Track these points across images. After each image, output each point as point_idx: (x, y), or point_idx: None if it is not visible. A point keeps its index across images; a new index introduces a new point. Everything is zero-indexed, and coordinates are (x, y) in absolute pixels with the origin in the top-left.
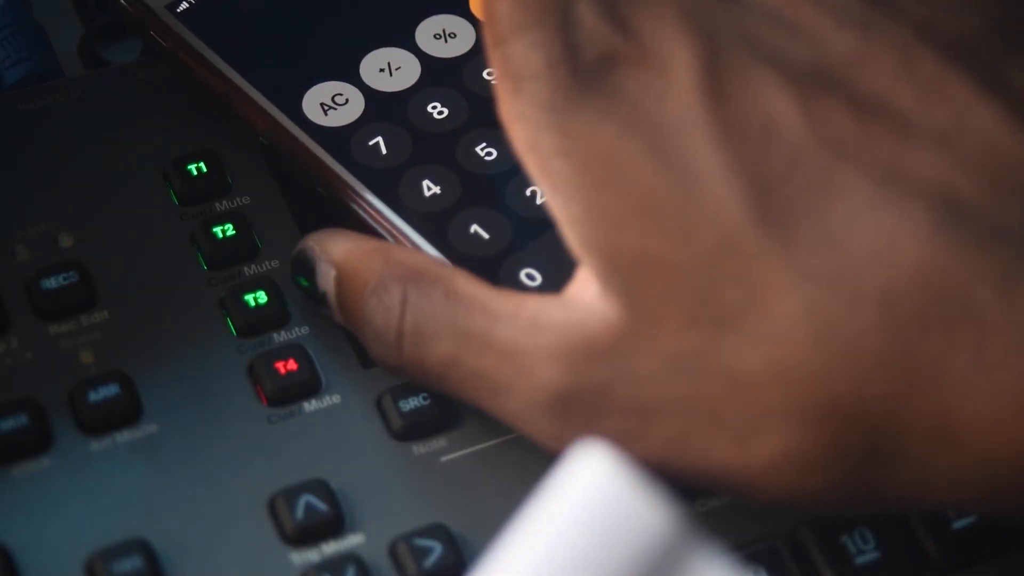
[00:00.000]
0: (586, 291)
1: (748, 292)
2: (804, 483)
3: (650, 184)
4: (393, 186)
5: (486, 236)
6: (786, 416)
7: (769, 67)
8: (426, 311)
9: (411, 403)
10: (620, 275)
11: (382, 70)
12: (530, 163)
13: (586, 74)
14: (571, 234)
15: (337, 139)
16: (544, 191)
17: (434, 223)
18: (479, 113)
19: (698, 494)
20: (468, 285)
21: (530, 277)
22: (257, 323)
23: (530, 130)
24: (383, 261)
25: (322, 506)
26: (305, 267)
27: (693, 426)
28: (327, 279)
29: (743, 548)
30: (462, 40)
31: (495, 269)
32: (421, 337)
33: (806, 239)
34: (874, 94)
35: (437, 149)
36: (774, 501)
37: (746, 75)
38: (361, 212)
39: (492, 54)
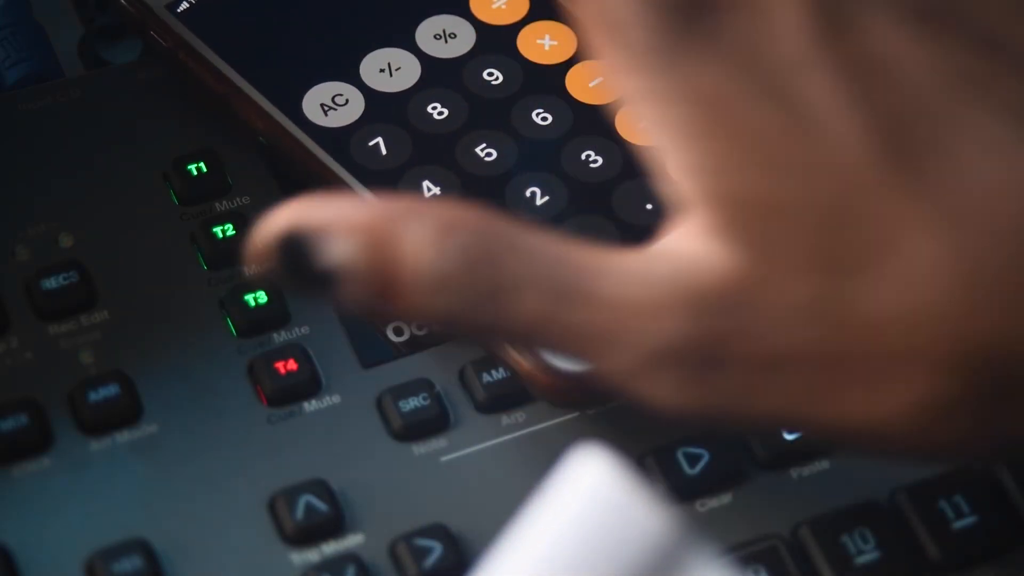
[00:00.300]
0: (693, 242)
1: (878, 233)
2: (934, 431)
3: (768, 126)
4: (393, 187)
5: None
6: (922, 361)
7: (883, 4)
8: (508, 266)
9: (411, 403)
10: (740, 222)
11: (382, 70)
12: (641, 112)
13: (686, 17)
14: (687, 183)
15: (337, 140)
16: (656, 140)
17: None
18: (479, 114)
19: (703, 493)
20: (548, 237)
21: None
22: (257, 323)
23: (638, 78)
24: (437, 219)
25: (322, 506)
26: (300, 250)
27: (820, 376)
28: (344, 252)
29: (743, 548)
30: (462, 40)
31: None
32: (505, 294)
33: (936, 176)
34: (992, 31)
35: (437, 150)
36: (898, 452)
37: (860, 12)
38: None
39: (584, 8)
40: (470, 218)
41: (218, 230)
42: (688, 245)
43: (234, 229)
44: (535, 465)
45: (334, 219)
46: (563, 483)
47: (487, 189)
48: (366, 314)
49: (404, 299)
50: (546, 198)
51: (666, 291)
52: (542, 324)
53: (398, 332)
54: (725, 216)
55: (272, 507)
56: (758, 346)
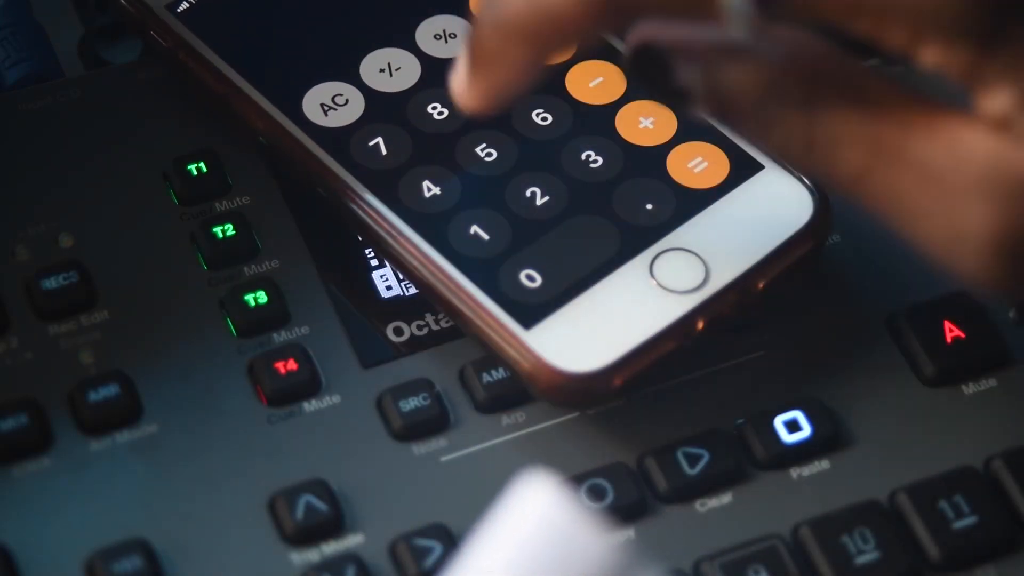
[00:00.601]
0: (1017, 124)
1: None
2: None
3: None
4: (393, 187)
5: (486, 237)
6: None
7: None
8: (835, 116)
9: (411, 403)
10: None
11: (382, 70)
12: (992, 64)
13: None
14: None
15: (337, 139)
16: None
17: (434, 224)
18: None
19: (703, 493)
20: (880, 86)
21: (530, 278)
22: (257, 323)
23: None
24: (778, 59)
25: (322, 506)
26: (656, 64)
27: None
28: (693, 80)
29: (743, 548)
30: (462, 40)
31: (495, 270)
32: (830, 144)
33: None
34: None
35: (437, 150)
36: None
37: None
38: (361, 213)
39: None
40: (805, 61)
41: (218, 230)
42: (1012, 124)
43: (234, 229)
44: (535, 465)
45: (682, 41)
46: (509, 509)
47: (487, 189)
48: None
49: (739, 126)
50: (546, 198)
51: (981, 173)
52: (861, 181)
53: (398, 332)
54: None
55: (272, 507)
56: None
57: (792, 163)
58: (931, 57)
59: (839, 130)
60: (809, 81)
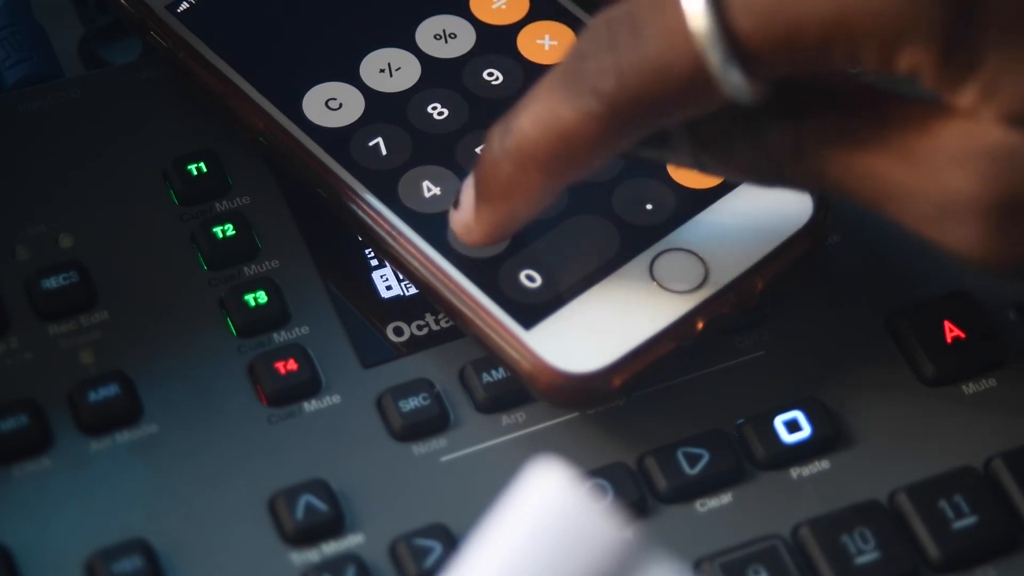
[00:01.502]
0: (983, 118)
1: None
2: None
3: None
4: (393, 187)
5: None
6: None
7: None
8: (818, 122)
9: (411, 403)
10: None
11: (382, 70)
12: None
13: None
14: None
15: (337, 140)
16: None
17: (434, 224)
18: (479, 114)
19: (703, 493)
20: (851, 89)
21: (530, 278)
22: (257, 323)
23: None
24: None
25: (322, 506)
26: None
27: None
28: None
29: (743, 548)
30: (462, 40)
31: (495, 270)
32: (816, 149)
33: None
34: None
35: (437, 150)
36: None
37: None
38: (361, 213)
39: None
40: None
41: (218, 230)
42: (977, 120)
43: (234, 229)
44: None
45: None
46: (520, 497)
47: None
48: None
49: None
50: None
51: (953, 144)
52: (845, 176)
53: (398, 332)
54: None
55: (272, 507)
56: None
57: (778, 176)
58: (903, 67)
59: (823, 134)
60: (792, 94)
